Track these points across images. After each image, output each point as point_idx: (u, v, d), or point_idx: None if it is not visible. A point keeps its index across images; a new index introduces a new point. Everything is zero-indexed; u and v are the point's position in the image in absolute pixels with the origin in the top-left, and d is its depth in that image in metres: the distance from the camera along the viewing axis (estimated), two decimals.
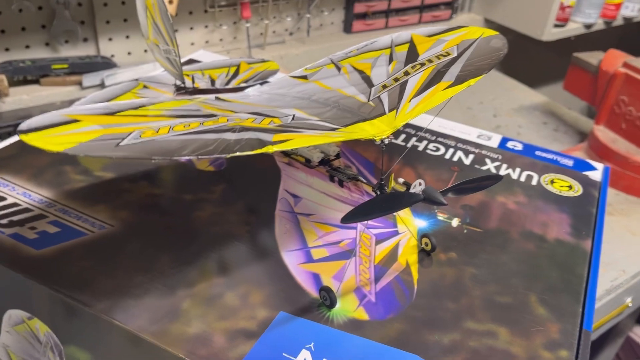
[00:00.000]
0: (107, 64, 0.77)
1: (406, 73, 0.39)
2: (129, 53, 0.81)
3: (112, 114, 0.32)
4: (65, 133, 0.28)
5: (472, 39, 0.44)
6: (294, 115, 0.35)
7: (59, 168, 0.44)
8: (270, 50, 0.93)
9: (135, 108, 0.33)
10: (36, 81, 0.73)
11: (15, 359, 0.40)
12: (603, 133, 0.79)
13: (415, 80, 0.38)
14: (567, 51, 1.12)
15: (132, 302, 0.34)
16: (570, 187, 0.49)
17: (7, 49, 0.72)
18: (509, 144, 0.55)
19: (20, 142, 0.48)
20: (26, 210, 0.40)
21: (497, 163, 0.52)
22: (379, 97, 0.37)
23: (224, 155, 0.27)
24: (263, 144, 0.29)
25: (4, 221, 0.39)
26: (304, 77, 0.44)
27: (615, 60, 0.80)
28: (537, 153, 0.54)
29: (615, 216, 0.71)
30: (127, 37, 0.80)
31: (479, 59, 0.40)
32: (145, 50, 0.82)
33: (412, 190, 0.32)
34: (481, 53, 0.41)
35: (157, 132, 0.29)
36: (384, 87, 0.39)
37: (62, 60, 0.74)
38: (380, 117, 0.35)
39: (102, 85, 0.75)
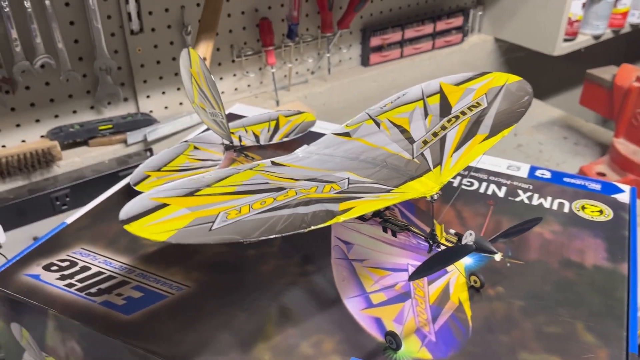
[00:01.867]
0: (147, 120, 0.82)
1: (443, 127, 0.43)
2: (166, 107, 0.86)
3: (192, 194, 0.36)
4: (161, 220, 0.32)
5: (498, 86, 0.48)
6: (348, 179, 0.39)
7: (131, 235, 0.49)
8: (294, 91, 0.97)
9: (209, 186, 0.38)
10: (85, 142, 0.79)
11: None
12: (623, 146, 0.82)
13: (453, 135, 0.42)
14: (579, 63, 1.15)
15: (221, 359, 0.38)
16: (601, 211, 0.52)
17: (56, 116, 0.78)
18: (538, 173, 0.59)
19: (90, 212, 0.53)
20: (110, 277, 0.44)
21: (529, 193, 0.55)
22: (422, 153, 0.41)
23: (302, 231, 0.31)
24: (332, 214, 0.33)
25: (93, 290, 0.43)
26: (347, 135, 0.48)
27: (628, 75, 0.84)
28: (565, 179, 0.58)
29: None
30: (163, 92, 0.85)
31: (508, 107, 0.44)
32: (181, 103, 0.87)
33: (464, 242, 0.36)
34: (509, 101, 0.45)
35: (240, 212, 0.33)
36: (425, 142, 0.42)
37: (107, 121, 0.79)
38: (427, 173, 0.39)
39: (145, 141, 0.80)
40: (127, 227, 0.32)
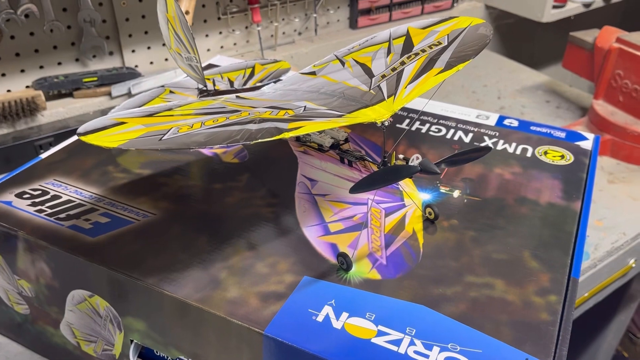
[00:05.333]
0: (132, 74, 0.83)
1: (402, 63, 0.45)
2: (151, 62, 0.87)
3: (151, 115, 0.38)
4: (116, 133, 0.34)
5: (461, 28, 0.49)
6: (305, 107, 0.40)
7: (103, 169, 0.51)
8: (281, 50, 0.98)
9: (169, 109, 0.39)
10: (70, 94, 0.80)
11: (79, 335, 0.46)
12: (602, 107, 0.83)
13: (410, 69, 0.43)
14: (569, 31, 1.15)
15: (178, 275, 0.39)
16: (562, 156, 0.54)
17: (41, 67, 0.79)
18: (506, 122, 0.60)
19: (67, 147, 0.54)
20: (79, 205, 0.46)
21: (494, 139, 0.56)
22: (378, 85, 0.42)
23: (248, 142, 0.32)
24: (280, 131, 0.34)
25: (62, 215, 0.45)
26: (313, 73, 0.49)
27: (609, 37, 0.84)
28: (532, 128, 0.59)
29: (617, 184, 0.75)
30: (149, 47, 0.86)
31: (466, 46, 0.45)
32: (166, 59, 0.88)
33: (410, 164, 0.38)
34: (469, 40, 0.46)
35: (192, 127, 0.34)
36: (383, 76, 0.44)
37: (91, 74, 0.80)
38: (380, 103, 0.40)
39: (129, 94, 0.81)
40: (82, 137, 0.33)
